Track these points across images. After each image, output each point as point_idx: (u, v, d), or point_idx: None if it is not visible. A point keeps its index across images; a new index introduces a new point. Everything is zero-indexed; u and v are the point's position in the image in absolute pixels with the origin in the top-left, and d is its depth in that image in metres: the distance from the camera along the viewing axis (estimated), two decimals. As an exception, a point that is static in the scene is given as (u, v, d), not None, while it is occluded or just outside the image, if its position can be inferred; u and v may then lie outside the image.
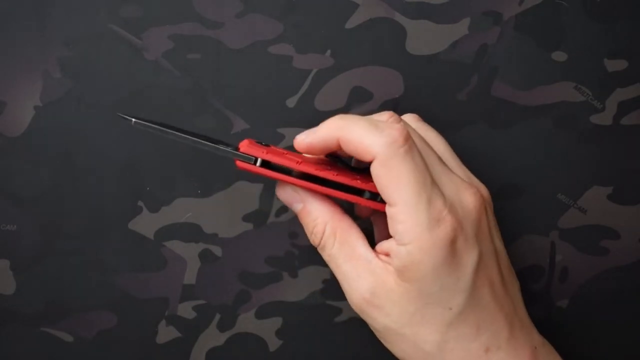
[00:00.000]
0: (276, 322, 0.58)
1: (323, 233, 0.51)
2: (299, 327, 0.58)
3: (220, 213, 0.57)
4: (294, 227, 0.58)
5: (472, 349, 0.49)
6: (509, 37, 0.57)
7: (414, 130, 0.51)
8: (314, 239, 0.51)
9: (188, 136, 0.50)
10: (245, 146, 0.50)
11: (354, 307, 0.51)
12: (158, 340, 0.58)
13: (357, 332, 0.58)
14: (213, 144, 0.50)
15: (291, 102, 0.57)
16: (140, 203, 0.57)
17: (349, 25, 0.57)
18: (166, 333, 0.58)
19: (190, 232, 0.57)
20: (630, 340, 0.58)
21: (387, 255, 0.49)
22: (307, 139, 0.50)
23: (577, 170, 0.58)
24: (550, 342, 0.55)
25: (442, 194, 0.49)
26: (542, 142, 0.57)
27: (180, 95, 0.57)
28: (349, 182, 0.50)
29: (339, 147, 0.50)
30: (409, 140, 0.48)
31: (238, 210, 0.57)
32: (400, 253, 0.48)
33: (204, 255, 0.58)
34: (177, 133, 0.49)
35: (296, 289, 0.58)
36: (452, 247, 0.48)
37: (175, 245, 0.57)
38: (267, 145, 0.51)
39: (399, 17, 0.57)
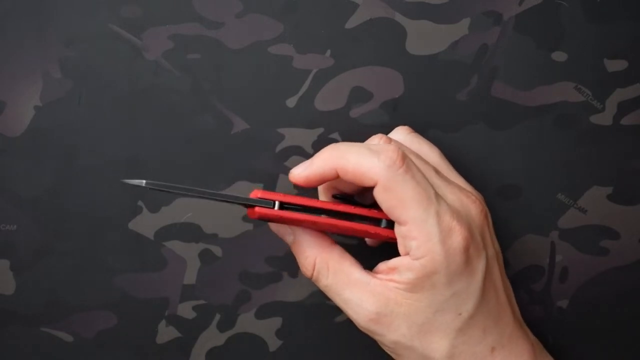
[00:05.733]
0: (276, 322, 0.58)
1: (314, 266, 0.52)
2: (299, 327, 0.58)
3: (220, 213, 0.57)
4: (294, 227, 0.58)
5: (479, 351, 0.50)
6: (509, 37, 0.57)
7: (407, 147, 0.52)
8: (305, 272, 0.52)
9: (198, 194, 0.49)
10: (259, 193, 0.50)
11: (362, 328, 0.52)
12: (158, 340, 0.58)
13: (357, 332, 0.58)
14: (226, 194, 0.49)
15: (291, 102, 0.57)
16: (140, 203, 0.57)
17: (349, 25, 0.57)
18: (166, 333, 0.58)
19: (190, 232, 0.57)
20: (631, 340, 0.58)
21: (392, 271, 0.50)
22: (305, 172, 0.50)
23: (577, 170, 0.57)
24: (550, 342, 0.56)
25: (448, 205, 0.50)
26: (542, 142, 0.57)
27: (180, 95, 0.57)
28: (367, 213, 0.51)
29: (336, 177, 0.50)
30: (406, 159, 0.49)
31: (238, 210, 0.57)
32: (414, 267, 0.49)
33: (204, 255, 0.58)
34: (188, 189, 0.49)
35: (296, 289, 0.58)
36: (466, 255, 0.49)
37: (175, 245, 0.57)
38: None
39: (399, 17, 0.57)
